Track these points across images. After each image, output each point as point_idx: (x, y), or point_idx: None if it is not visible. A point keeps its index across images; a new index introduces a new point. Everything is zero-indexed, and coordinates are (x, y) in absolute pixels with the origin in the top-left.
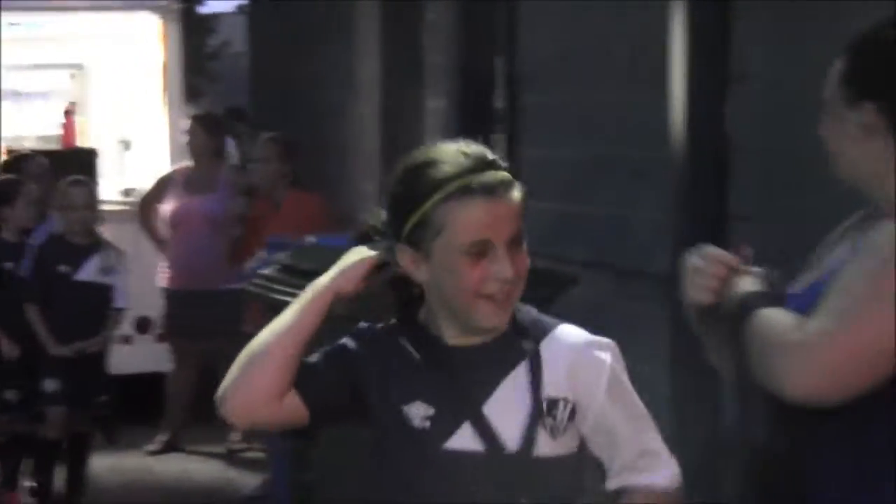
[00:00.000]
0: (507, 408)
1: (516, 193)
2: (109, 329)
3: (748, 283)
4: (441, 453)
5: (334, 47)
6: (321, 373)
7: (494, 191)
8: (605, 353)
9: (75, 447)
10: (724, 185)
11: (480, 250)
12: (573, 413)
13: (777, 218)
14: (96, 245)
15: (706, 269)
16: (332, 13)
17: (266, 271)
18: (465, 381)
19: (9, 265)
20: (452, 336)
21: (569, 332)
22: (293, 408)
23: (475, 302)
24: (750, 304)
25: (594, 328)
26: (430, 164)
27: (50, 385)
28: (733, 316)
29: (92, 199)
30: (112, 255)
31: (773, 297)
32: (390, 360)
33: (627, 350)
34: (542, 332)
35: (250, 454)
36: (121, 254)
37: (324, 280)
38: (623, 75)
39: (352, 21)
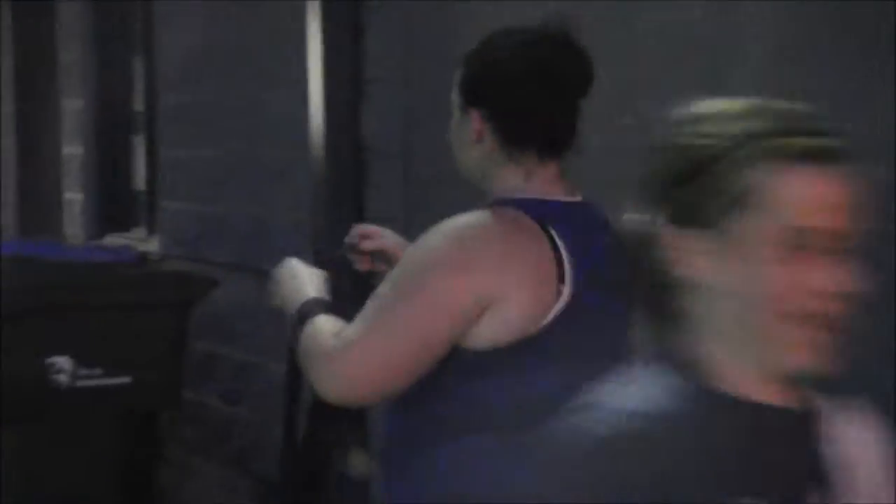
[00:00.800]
0: None
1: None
2: None
3: (312, 289)
4: None
5: None
6: None
7: (829, 161)
8: None
9: None
10: (362, 187)
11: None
12: None
13: (420, 219)
14: None
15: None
16: None
17: None
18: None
19: None
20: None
21: None
22: None
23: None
24: (305, 312)
25: (236, 331)
26: (731, 116)
27: None
28: (293, 324)
29: None
30: None
31: (328, 304)
32: None
33: (266, 351)
34: None
35: None
36: None
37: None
38: (262, 75)
39: None
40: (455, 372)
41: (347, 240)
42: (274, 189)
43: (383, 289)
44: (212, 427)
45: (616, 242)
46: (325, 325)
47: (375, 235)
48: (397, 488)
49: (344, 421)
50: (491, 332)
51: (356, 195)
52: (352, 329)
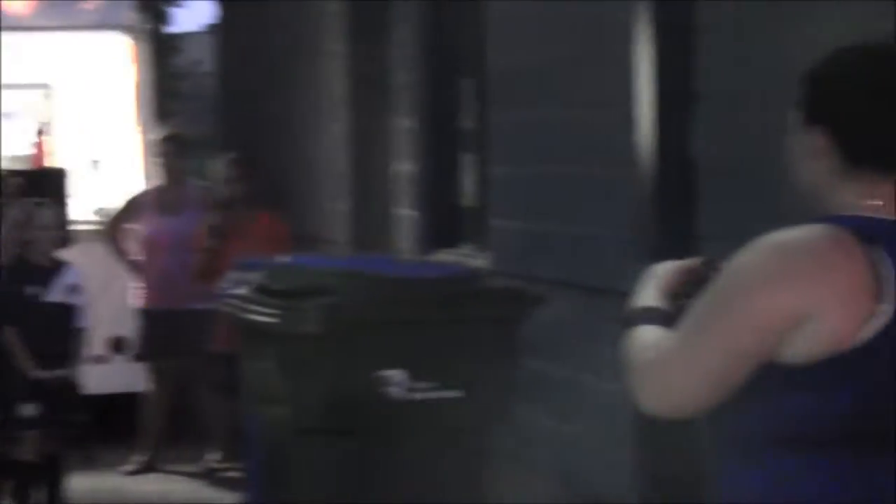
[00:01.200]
0: None
1: None
2: (79, 349)
3: (647, 298)
4: None
5: (303, 66)
6: None
7: None
8: None
9: (52, 469)
10: (693, 204)
11: None
12: None
13: (747, 237)
14: (59, 265)
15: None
16: (300, 32)
17: (240, 291)
18: None
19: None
20: None
21: None
22: None
23: None
24: (632, 320)
25: (560, 347)
26: None
27: (27, 410)
28: (623, 331)
29: (55, 221)
30: (75, 274)
31: (659, 314)
32: None
33: (593, 369)
34: None
35: (227, 473)
36: (81, 274)
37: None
38: (588, 95)
39: (320, 40)
40: (773, 385)
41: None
42: (600, 206)
43: (700, 302)
44: (540, 443)
45: None
46: (647, 335)
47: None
48: (728, 496)
49: None
50: (805, 346)
51: (686, 212)
52: (667, 342)
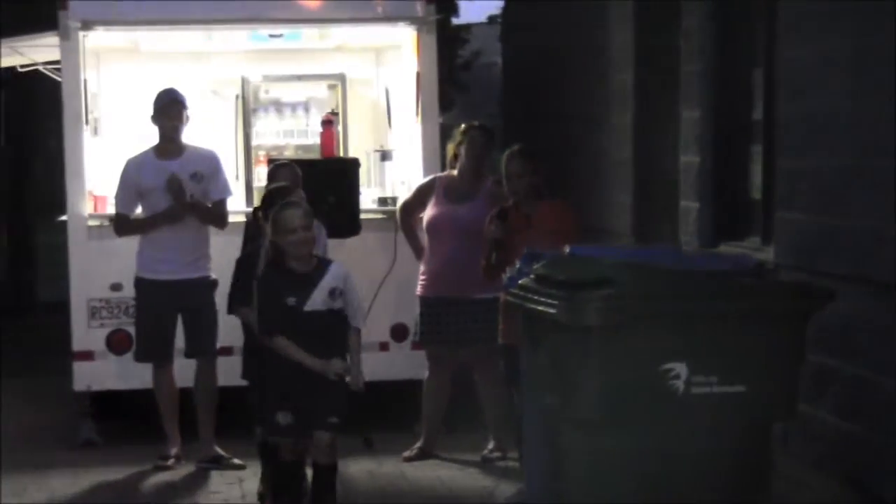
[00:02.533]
0: None
1: None
2: (352, 351)
3: None
4: None
5: (587, 56)
6: None
7: None
8: None
9: (319, 474)
10: None
11: None
12: None
13: None
14: (320, 269)
15: None
16: (585, 22)
17: (522, 281)
18: None
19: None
20: None
21: None
22: None
23: None
24: None
25: (852, 345)
26: None
27: (284, 418)
28: None
29: (308, 220)
30: (339, 275)
31: None
32: None
33: (883, 366)
34: None
35: (505, 463)
36: (347, 272)
37: None
38: (882, 85)
39: (606, 29)
40: None
41: None
42: (890, 199)
43: None
44: (826, 441)
45: None
46: None
47: None
48: None
49: None
50: None
51: None
52: None
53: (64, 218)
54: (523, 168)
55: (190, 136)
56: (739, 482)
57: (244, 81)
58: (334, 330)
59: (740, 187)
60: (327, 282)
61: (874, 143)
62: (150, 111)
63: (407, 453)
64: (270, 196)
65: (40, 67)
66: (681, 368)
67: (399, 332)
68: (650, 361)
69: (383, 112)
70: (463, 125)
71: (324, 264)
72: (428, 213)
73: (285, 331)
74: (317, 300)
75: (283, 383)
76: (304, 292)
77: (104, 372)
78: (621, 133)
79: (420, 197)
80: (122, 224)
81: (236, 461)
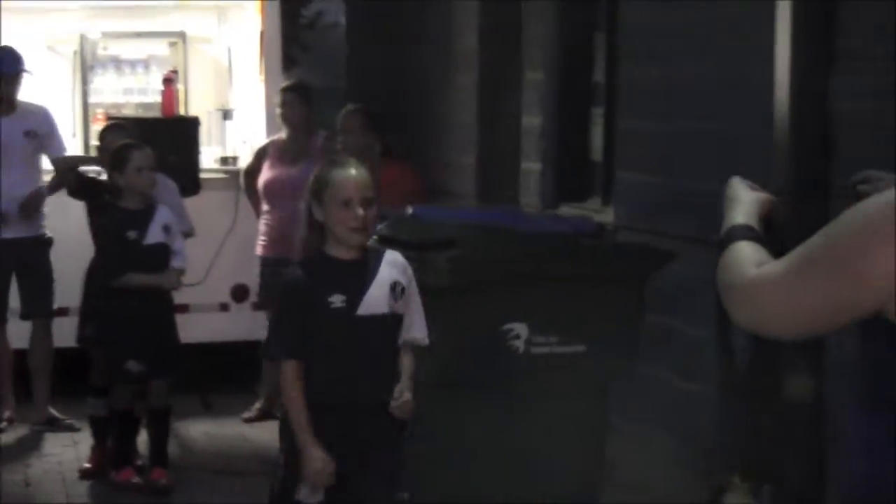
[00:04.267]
0: None
1: None
2: (172, 286)
3: (742, 216)
4: None
5: (432, 19)
6: None
7: None
8: None
9: (155, 422)
10: (828, 161)
11: None
12: None
13: None
14: (153, 207)
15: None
16: None
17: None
18: None
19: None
20: None
21: None
22: None
23: None
24: (731, 235)
25: (691, 305)
26: None
27: (134, 367)
28: (718, 245)
29: (150, 162)
30: (168, 214)
31: (756, 233)
32: None
33: None
34: None
35: None
36: (174, 213)
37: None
38: (722, 52)
39: None
40: (878, 343)
41: (854, 178)
42: (729, 163)
43: (817, 236)
44: (663, 401)
45: None
46: (747, 252)
47: (875, 181)
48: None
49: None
50: None
51: (820, 169)
52: (774, 265)
53: None
54: (357, 124)
55: (26, 93)
56: (579, 441)
57: (82, 38)
58: (163, 265)
59: (582, 149)
60: (160, 216)
61: (707, 107)
62: None
63: (246, 414)
64: (121, 152)
65: None
66: (521, 329)
67: (239, 293)
68: (492, 323)
69: (225, 71)
70: (282, 85)
71: (154, 202)
72: (263, 176)
73: (127, 265)
74: (155, 234)
75: (133, 337)
76: (142, 227)
77: None
78: (465, 95)
79: (258, 161)
80: None
81: (71, 423)
